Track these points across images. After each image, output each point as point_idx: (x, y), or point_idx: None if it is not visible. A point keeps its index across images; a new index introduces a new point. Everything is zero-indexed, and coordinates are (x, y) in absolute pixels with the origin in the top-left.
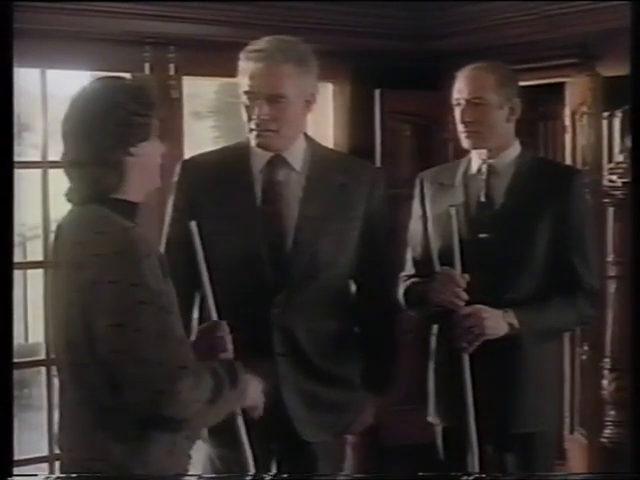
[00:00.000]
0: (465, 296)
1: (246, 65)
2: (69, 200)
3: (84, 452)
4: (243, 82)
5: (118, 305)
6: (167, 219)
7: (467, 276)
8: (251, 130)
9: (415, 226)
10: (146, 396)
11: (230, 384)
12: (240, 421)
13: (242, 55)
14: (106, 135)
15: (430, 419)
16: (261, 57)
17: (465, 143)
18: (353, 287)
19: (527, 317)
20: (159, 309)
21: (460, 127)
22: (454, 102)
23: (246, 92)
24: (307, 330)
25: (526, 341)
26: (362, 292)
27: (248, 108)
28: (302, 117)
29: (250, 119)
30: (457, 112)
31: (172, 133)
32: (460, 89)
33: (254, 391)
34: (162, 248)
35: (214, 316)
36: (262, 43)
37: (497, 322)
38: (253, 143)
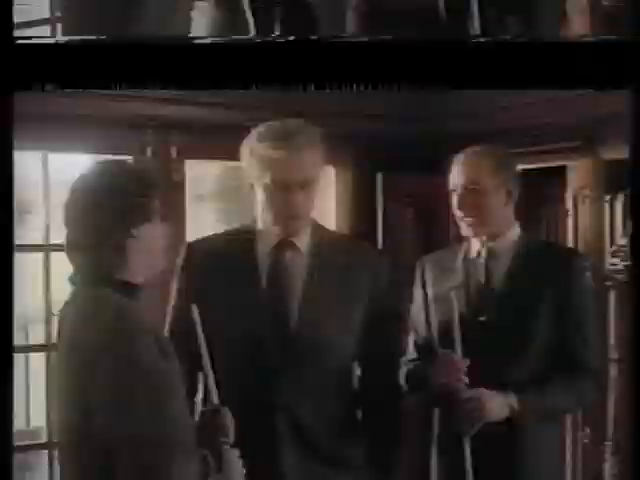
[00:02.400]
0: (466, 379)
1: (265, 152)
2: (73, 284)
3: None
4: (261, 170)
5: (113, 385)
6: (171, 301)
7: (467, 360)
8: (276, 221)
9: (417, 310)
10: (138, 476)
11: (216, 470)
12: None
13: (256, 141)
14: (106, 217)
15: None
16: (285, 144)
17: (464, 231)
18: (357, 370)
19: (528, 399)
20: (154, 389)
21: (458, 214)
22: (451, 189)
23: (271, 181)
24: (311, 411)
25: (527, 423)
26: (366, 375)
27: (271, 196)
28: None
29: (274, 208)
30: (454, 199)
31: (174, 216)
32: (456, 176)
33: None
34: (166, 328)
35: (215, 399)
36: (278, 128)
37: (498, 405)
38: (278, 232)
